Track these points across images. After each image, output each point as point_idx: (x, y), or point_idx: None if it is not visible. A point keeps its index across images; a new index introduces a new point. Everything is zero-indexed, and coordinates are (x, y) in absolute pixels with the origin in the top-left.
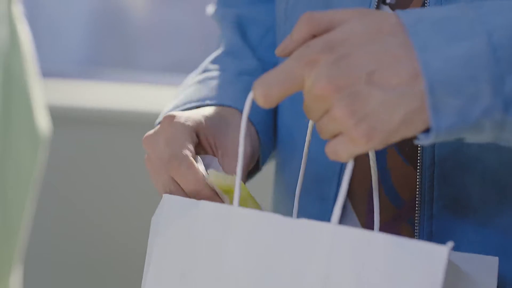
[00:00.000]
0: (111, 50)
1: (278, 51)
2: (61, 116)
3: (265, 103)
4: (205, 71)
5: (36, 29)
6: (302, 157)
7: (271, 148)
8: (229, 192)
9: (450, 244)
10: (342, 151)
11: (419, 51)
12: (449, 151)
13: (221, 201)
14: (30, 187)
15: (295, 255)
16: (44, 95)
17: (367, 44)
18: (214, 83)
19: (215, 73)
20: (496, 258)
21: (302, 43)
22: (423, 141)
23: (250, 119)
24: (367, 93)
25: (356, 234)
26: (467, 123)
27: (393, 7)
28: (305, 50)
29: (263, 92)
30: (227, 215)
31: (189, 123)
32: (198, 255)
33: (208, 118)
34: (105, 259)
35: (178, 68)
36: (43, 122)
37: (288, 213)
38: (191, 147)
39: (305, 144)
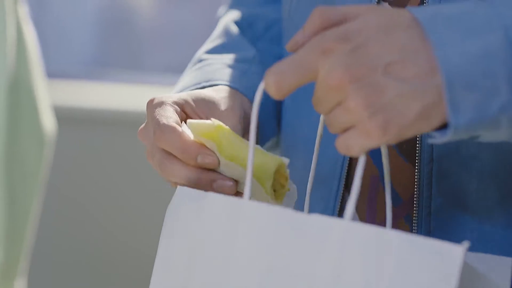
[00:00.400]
0: (117, 51)
1: (289, 46)
2: (67, 117)
3: (277, 92)
4: (200, 61)
5: (43, 30)
6: (304, 156)
7: (269, 130)
8: (213, 138)
9: (466, 244)
10: (355, 144)
11: (436, 46)
12: (447, 148)
13: (212, 152)
14: (36, 187)
15: (307, 251)
16: (50, 96)
17: (383, 36)
18: (209, 68)
19: (211, 61)
20: (510, 259)
21: (314, 37)
22: (439, 139)
23: (246, 97)
24: (383, 84)
25: (368, 231)
26: (485, 119)
27: (392, 4)
28: (320, 39)
29: (275, 81)
30: (236, 208)
31: (170, 99)
32: (205, 249)
33: (195, 95)
34: (109, 259)
35: (184, 69)
36: (48, 122)
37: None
38: (173, 115)
39: (317, 139)
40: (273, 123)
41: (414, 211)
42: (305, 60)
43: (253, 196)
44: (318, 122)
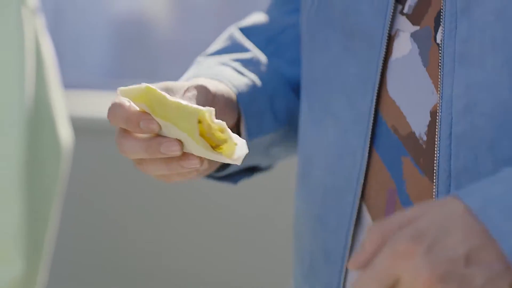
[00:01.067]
0: (134, 61)
1: (352, 264)
2: (84, 127)
3: None
4: (198, 63)
5: (59, 41)
6: (322, 166)
7: (264, 124)
8: (145, 100)
9: None
10: None
11: (497, 238)
12: (465, 164)
13: (150, 116)
14: (54, 199)
15: None
16: (68, 106)
17: (450, 229)
18: (201, 66)
19: (206, 60)
20: None
21: (377, 251)
22: None
23: (232, 90)
24: (470, 275)
25: None
26: None
27: (409, 17)
28: (393, 245)
29: None
30: None
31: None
32: None
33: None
34: (129, 268)
35: None
36: (65, 133)
37: (308, 224)
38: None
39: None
40: (268, 117)
41: None
42: (384, 268)
43: (193, 152)
44: (337, 132)
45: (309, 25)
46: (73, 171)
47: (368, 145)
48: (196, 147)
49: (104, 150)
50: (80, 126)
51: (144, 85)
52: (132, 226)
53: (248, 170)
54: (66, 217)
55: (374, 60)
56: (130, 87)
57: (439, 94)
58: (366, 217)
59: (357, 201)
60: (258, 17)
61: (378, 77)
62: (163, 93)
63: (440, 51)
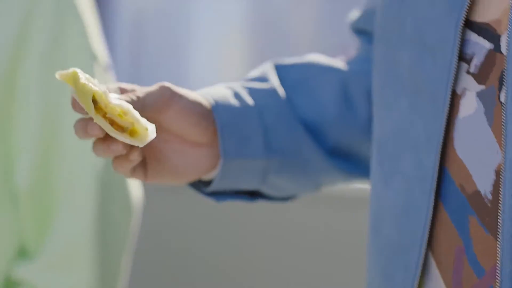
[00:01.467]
0: None
1: None
2: (153, 185)
3: None
4: None
5: None
6: (387, 228)
7: (241, 146)
8: (71, 83)
9: None
10: None
11: None
12: None
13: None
14: (124, 256)
15: None
16: None
17: None
18: (211, 87)
19: (222, 84)
20: None
21: None
22: None
23: (215, 107)
24: None
25: None
26: None
27: (475, 76)
28: None
29: None
30: None
31: None
32: None
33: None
34: None
35: None
36: (135, 189)
37: (376, 278)
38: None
39: None
40: (256, 142)
41: (496, 286)
42: None
43: (108, 132)
44: (403, 189)
45: (380, 79)
46: (142, 227)
47: (433, 202)
48: (106, 129)
49: (172, 207)
50: (148, 184)
51: (72, 69)
52: (194, 277)
53: (248, 194)
54: (136, 274)
55: (439, 118)
56: (66, 70)
57: (503, 153)
58: (435, 273)
59: (422, 259)
60: (309, 57)
61: (442, 135)
62: (81, 75)
63: (503, 110)
